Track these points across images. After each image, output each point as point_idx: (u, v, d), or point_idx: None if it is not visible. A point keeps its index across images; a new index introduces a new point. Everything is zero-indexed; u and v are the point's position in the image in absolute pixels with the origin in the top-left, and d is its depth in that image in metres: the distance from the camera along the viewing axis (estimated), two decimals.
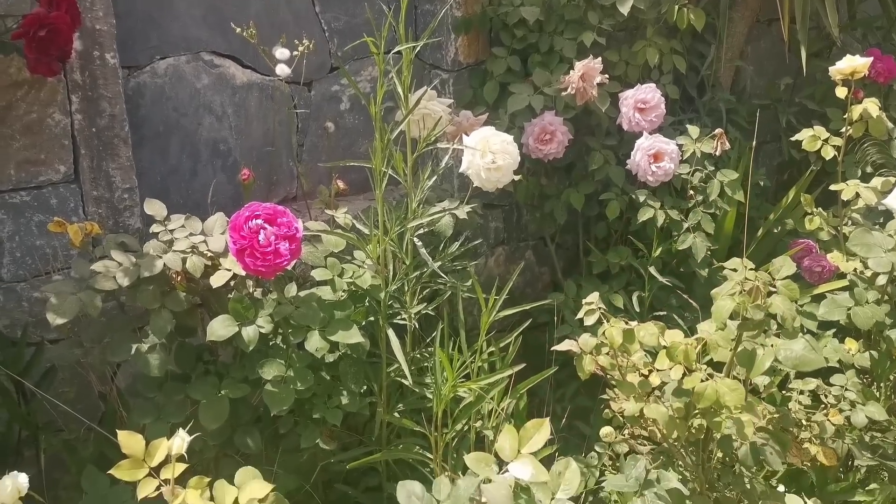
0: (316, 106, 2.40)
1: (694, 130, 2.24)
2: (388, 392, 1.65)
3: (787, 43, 2.44)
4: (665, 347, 1.45)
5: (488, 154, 1.79)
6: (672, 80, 2.49)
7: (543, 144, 2.21)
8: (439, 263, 1.64)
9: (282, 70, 1.73)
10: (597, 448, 1.80)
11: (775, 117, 2.70)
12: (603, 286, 2.32)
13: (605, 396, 1.79)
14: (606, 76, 2.16)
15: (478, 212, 2.04)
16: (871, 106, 1.91)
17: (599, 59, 2.14)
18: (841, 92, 1.93)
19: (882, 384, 1.95)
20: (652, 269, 2.18)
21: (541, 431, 1.08)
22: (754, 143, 2.79)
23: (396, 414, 1.66)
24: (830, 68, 1.97)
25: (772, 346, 1.49)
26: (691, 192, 2.19)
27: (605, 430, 1.71)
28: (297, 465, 1.69)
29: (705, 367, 1.43)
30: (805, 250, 2.34)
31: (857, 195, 1.98)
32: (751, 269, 1.86)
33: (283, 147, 2.33)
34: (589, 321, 1.47)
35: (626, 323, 1.45)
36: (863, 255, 1.79)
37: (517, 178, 1.90)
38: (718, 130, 2.12)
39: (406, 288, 1.67)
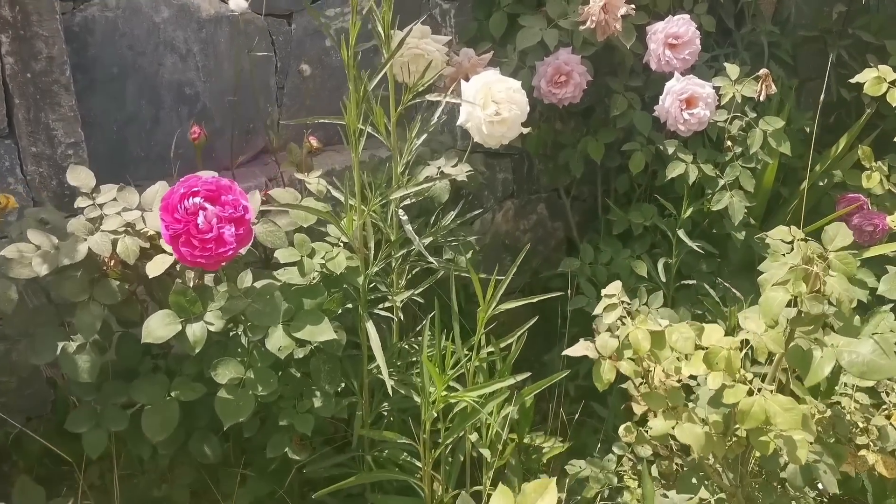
0: (297, 42, 2.09)
1: (733, 70, 1.92)
2: (371, 390, 1.40)
3: None
4: (701, 348, 1.18)
5: (490, 104, 1.49)
6: (707, 10, 2.16)
7: (558, 87, 1.91)
8: (429, 240, 1.37)
9: (237, 4, 1.43)
10: (615, 449, 1.55)
11: (823, 51, 2.36)
12: (624, 250, 2.04)
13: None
14: (633, 6, 1.84)
15: (481, 169, 1.75)
16: None
17: None
18: None
19: None
20: (681, 233, 1.90)
21: (545, 497, 0.83)
22: (798, 81, 2.47)
23: (382, 413, 1.41)
24: None
25: (832, 345, 1.21)
26: (728, 143, 1.89)
27: (625, 429, 1.45)
28: (269, 469, 1.46)
29: (751, 374, 1.17)
30: (855, 206, 2.05)
31: None
32: (803, 241, 1.58)
33: (259, 90, 2.04)
34: (609, 319, 1.20)
35: (651, 320, 1.18)
36: None
37: (526, 130, 1.61)
38: (763, 71, 1.81)
39: (394, 267, 1.40)
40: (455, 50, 2.12)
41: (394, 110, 1.31)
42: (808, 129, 2.17)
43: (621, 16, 1.79)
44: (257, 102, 2.03)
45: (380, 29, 1.27)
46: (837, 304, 1.40)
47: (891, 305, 1.72)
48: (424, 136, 1.36)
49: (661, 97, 1.87)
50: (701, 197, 1.94)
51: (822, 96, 2.42)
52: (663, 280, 1.93)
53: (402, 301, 1.40)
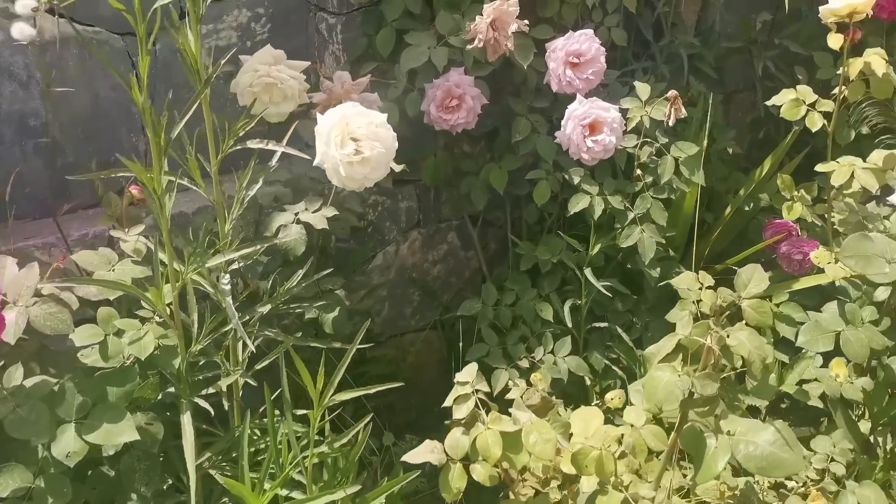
0: (164, 63, 1.87)
1: (643, 89, 1.73)
2: (202, 487, 1.18)
3: None
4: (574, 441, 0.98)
5: (349, 143, 1.28)
6: (620, 22, 1.97)
7: (449, 112, 1.71)
8: (267, 308, 1.15)
9: (21, 32, 1.20)
10: None
11: (750, 62, 2.19)
12: (531, 289, 1.84)
13: None
14: (525, 22, 1.64)
15: (356, 210, 1.54)
16: (876, 59, 1.41)
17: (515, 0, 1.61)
18: (835, 41, 1.43)
19: (879, 427, 1.51)
20: (588, 272, 1.70)
21: None
22: (724, 95, 2.30)
23: None
24: (821, 8, 1.46)
25: (728, 433, 1.02)
26: (639, 171, 1.70)
27: None
28: None
29: (631, 475, 0.97)
30: (782, 231, 1.88)
31: (853, 177, 1.50)
32: (709, 288, 1.40)
33: (121, 118, 1.81)
34: (459, 413, 1.00)
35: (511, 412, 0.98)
36: (859, 271, 1.32)
37: (399, 168, 1.40)
38: (672, 93, 1.62)
39: (228, 341, 1.19)
40: (344, 68, 1.92)
41: (214, 157, 1.10)
42: (730, 151, 1.99)
43: (513, 33, 1.59)
44: (119, 132, 1.81)
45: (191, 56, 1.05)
46: (747, 364, 1.22)
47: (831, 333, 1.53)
48: (258, 185, 1.14)
49: (563, 122, 1.67)
50: (612, 230, 1.74)
51: (748, 113, 2.26)
52: (569, 324, 1.74)
53: (244, 380, 1.19)
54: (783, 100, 1.51)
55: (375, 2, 1.89)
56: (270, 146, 1.07)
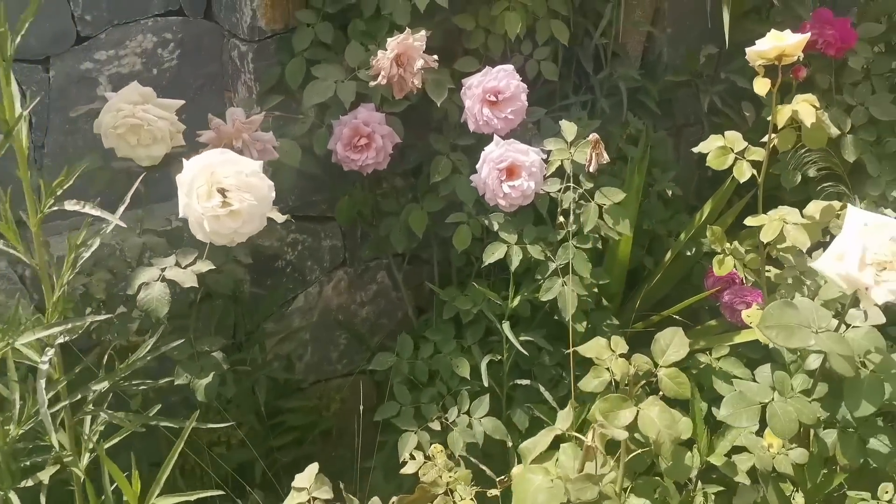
0: (59, 91, 1.74)
1: (569, 129, 1.60)
2: None
3: (708, 1, 1.80)
4: None
5: (215, 194, 1.15)
6: (557, 54, 1.85)
7: (357, 152, 1.58)
8: (104, 386, 1.01)
9: None
10: None
11: (696, 96, 2.07)
12: (452, 341, 1.71)
13: None
14: (435, 58, 1.51)
15: (246, 260, 1.40)
16: (804, 108, 1.29)
17: (422, 32, 1.48)
18: (761, 86, 1.31)
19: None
20: (506, 327, 1.57)
21: None
22: (671, 129, 2.18)
23: None
24: (748, 50, 1.34)
25: None
26: (561, 219, 1.57)
27: None
28: None
29: None
30: (724, 279, 1.75)
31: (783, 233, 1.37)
32: (620, 357, 1.27)
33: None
34: None
35: None
36: (781, 343, 1.19)
37: (281, 218, 1.27)
38: (593, 136, 1.49)
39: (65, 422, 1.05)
40: (257, 99, 1.80)
41: (33, 217, 0.96)
42: (669, 193, 1.87)
43: (420, 69, 1.46)
44: (10, 168, 1.68)
45: None
46: (655, 446, 1.09)
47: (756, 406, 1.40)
48: (95, 244, 1.01)
49: (478, 165, 1.55)
50: (533, 282, 1.61)
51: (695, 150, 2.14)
52: (486, 382, 1.61)
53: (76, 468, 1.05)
54: (709, 147, 1.39)
55: (290, 29, 1.76)
56: (87, 209, 0.93)
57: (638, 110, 2.05)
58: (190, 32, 1.84)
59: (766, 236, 1.36)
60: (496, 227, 1.60)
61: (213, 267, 1.27)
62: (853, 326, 1.26)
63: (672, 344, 1.30)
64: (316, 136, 1.62)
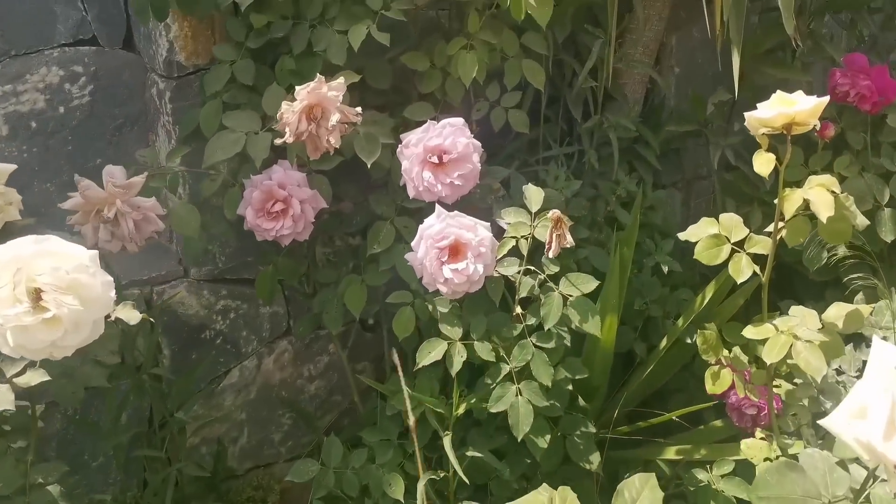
0: None
1: (534, 196, 1.29)
2: None
3: (719, 39, 1.48)
4: None
5: (23, 298, 0.87)
6: (528, 99, 1.55)
7: (272, 220, 1.29)
8: None
9: None
10: None
11: (706, 149, 1.75)
12: (393, 445, 1.41)
13: None
14: (358, 111, 1.22)
15: (105, 361, 1.12)
16: (820, 196, 0.96)
17: (339, 80, 1.19)
18: (764, 164, 0.99)
19: None
20: (447, 443, 1.26)
21: None
22: (680, 183, 1.86)
23: None
24: (747, 116, 1.02)
25: None
26: (518, 310, 1.26)
27: None
28: None
29: None
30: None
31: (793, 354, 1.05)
32: None
33: None
34: None
35: None
36: None
37: (136, 319, 0.99)
38: (553, 213, 1.18)
39: None
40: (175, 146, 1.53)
41: None
42: (665, 269, 1.55)
43: (337, 125, 1.16)
44: None
45: None
46: None
47: None
48: None
49: (414, 241, 1.25)
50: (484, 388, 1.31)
51: (710, 206, 1.81)
52: None
53: None
54: (698, 235, 1.07)
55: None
56: None
57: (637, 162, 1.74)
58: (106, 65, 1.58)
59: (770, 355, 1.04)
60: (443, 310, 1.30)
61: (48, 378, 0.99)
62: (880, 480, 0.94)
63: (642, 496, 0.99)
64: (227, 198, 1.34)
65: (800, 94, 0.98)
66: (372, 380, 1.78)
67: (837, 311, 1.10)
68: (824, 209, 0.93)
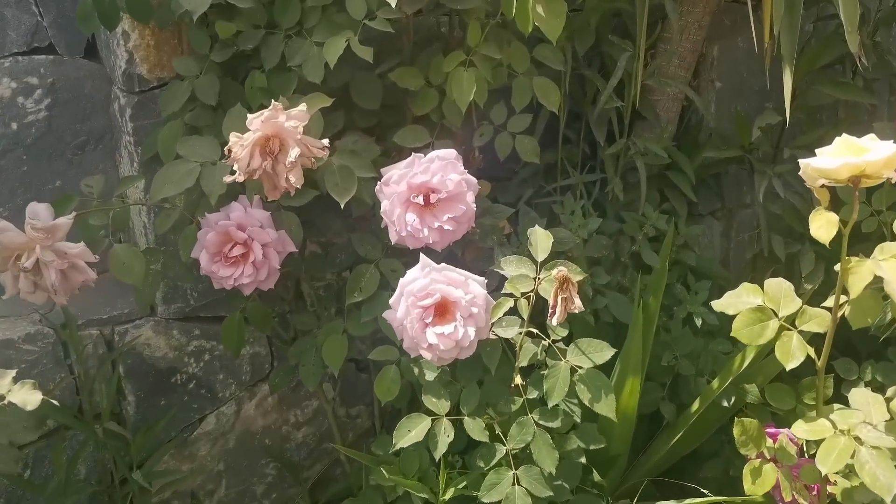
0: None
1: (541, 242, 1.07)
2: None
3: (768, 53, 1.26)
4: None
5: None
6: (541, 122, 1.34)
7: (230, 266, 1.09)
8: None
9: None
10: None
11: (749, 177, 1.52)
12: None
13: None
14: (324, 143, 1.01)
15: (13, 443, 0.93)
16: (893, 270, 0.73)
17: (301, 107, 0.99)
18: (822, 227, 0.76)
19: None
20: None
21: None
22: (720, 211, 1.63)
23: None
24: (802, 164, 0.80)
25: None
26: (518, 381, 1.05)
27: None
28: None
29: None
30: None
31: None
32: None
33: None
34: None
35: None
36: None
37: (35, 404, 0.80)
38: (559, 271, 0.96)
39: None
40: (140, 174, 1.35)
41: None
42: (698, 322, 1.33)
43: (297, 161, 0.96)
44: None
45: None
46: None
47: None
48: None
49: (392, 298, 1.04)
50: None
51: (751, 245, 1.59)
52: None
53: None
54: (736, 307, 0.85)
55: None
56: None
57: (669, 191, 1.52)
58: (65, 76, 1.41)
59: (825, 463, 0.82)
60: (429, 377, 1.09)
61: None
62: None
63: None
64: (182, 237, 1.15)
65: (871, 139, 0.76)
66: (367, 426, 1.60)
67: None
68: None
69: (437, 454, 1.03)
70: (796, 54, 1.18)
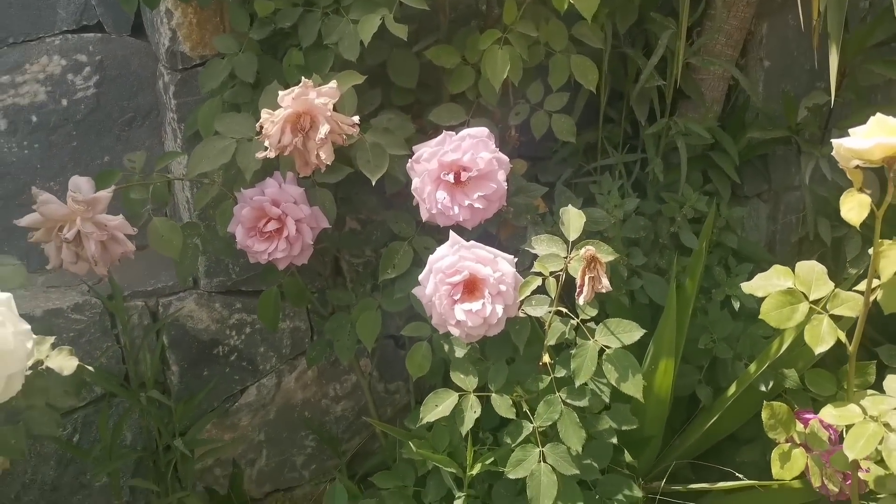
0: None
1: (574, 221, 1.07)
2: None
3: (816, 31, 1.22)
4: None
5: None
6: (579, 101, 1.32)
7: (265, 241, 1.12)
8: None
9: None
10: None
11: (797, 159, 1.48)
12: (398, 497, 1.23)
13: None
14: (355, 120, 1.02)
15: (57, 405, 0.97)
16: None
17: (332, 84, 0.99)
18: (853, 209, 0.75)
19: None
20: None
21: None
22: (767, 193, 1.59)
23: None
24: (835, 143, 0.78)
25: None
26: (546, 358, 1.05)
27: None
28: None
29: None
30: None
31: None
32: None
33: None
34: None
35: None
36: None
37: (71, 369, 0.83)
38: (587, 251, 0.96)
39: None
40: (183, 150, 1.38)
41: None
42: (736, 305, 1.31)
43: (327, 137, 0.97)
44: None
45: None
46: None
47: None
48: None
49: (421, 275, 1.05)
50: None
51: (796, 227, 1.55)
52: None
53: None
54: (766, 289, 0.83)
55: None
56: None
57: (713, 172, 1.49)
58: (112, 53, 1.44)
59: (853, 449, 0.80)
60: (458, 353, 1.10)
61: None
62: None
63: None
64: (219, 212, 1.17)
65: None
66: (405, 402, 1.62)
67: None
68: None
69: (464, 429, 1.04)
70: (846, 32, 1.14)
